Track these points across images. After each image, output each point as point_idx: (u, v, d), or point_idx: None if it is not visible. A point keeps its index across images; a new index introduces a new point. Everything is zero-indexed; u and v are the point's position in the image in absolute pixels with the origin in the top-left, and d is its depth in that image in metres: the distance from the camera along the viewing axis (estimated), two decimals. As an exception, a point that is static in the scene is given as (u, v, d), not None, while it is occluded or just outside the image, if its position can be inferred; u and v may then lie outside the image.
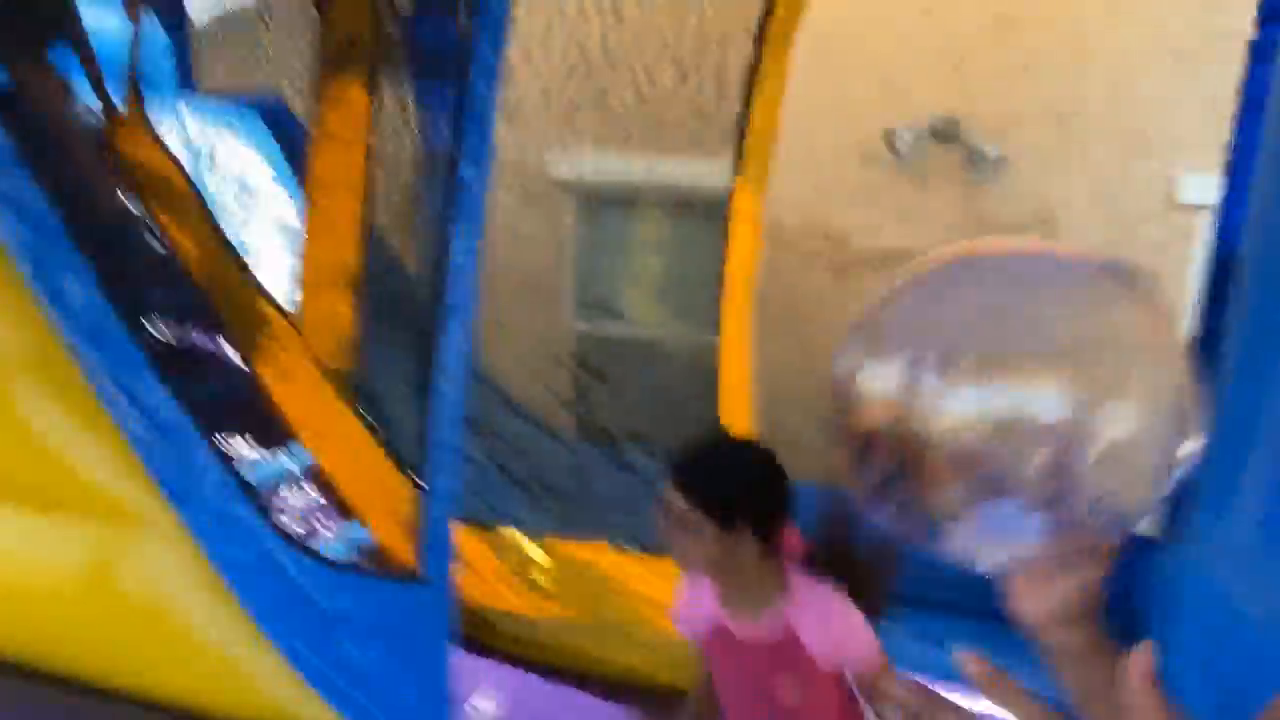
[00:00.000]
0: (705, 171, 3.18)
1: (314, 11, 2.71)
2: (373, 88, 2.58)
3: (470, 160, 2.13)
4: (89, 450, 2.33)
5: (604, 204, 4.47)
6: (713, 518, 1.40)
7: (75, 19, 2.71)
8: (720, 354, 2.29)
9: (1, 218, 2.26)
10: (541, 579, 2.64)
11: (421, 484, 2.46)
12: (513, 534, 2.79)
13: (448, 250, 2.12)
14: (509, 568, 2.69)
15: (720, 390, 2.26)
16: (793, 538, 1.55)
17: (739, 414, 2.91)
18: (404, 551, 2.40)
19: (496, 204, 2.45)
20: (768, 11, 3.35)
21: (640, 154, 3.76)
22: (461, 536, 2.41)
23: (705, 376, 2.58)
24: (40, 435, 2.38)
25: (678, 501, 1.43)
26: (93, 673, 2.48)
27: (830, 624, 1.44)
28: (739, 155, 2.51)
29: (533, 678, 2.58)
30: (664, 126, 3.44)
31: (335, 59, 2.55)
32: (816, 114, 4.27)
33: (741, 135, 3.29)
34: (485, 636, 2.68)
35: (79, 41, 2.73)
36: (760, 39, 3.39)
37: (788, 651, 1.44)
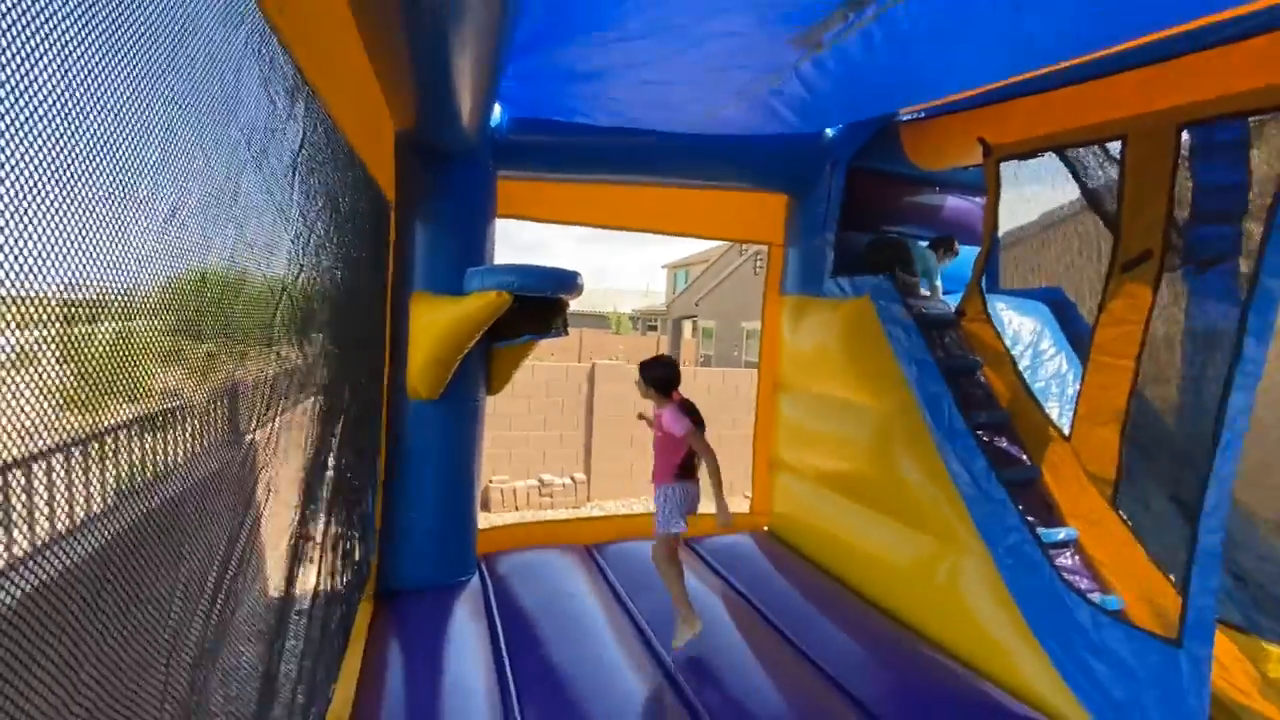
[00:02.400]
0: None
1: (1109, 231, 2.86)
2: (1155, 284, 2.58)
3: (1255, 338, 1.99)
4: (938, 497, 2.91)
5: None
6: (642, 380, 2.74)
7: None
8: None
9: (908, 366, 3.08)
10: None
11: (1171, 577, 2.30)
12: (1260, 643, 2.28)
13: (1225, 405, 2.01)
14: (1257, 671, 2.20)
15: None
16: (678, 395, 2.75)
17: None
18: (1153, 624, 2.25)
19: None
20: None
21: None
22: (1217, 638, 2.12)
23: None
24: (912, 484, 3.06)
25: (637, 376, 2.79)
26: (915, 622, 3.01)
27: (674, 418, 2.65)
28: None
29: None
30: None
31: (1129, 264, 2.65)
32: None
33: None
34: (1232, 725, 2.24)
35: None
36: None
37: (661, 424, 2.71)
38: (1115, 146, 2.88)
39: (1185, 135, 2.71)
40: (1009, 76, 2.90)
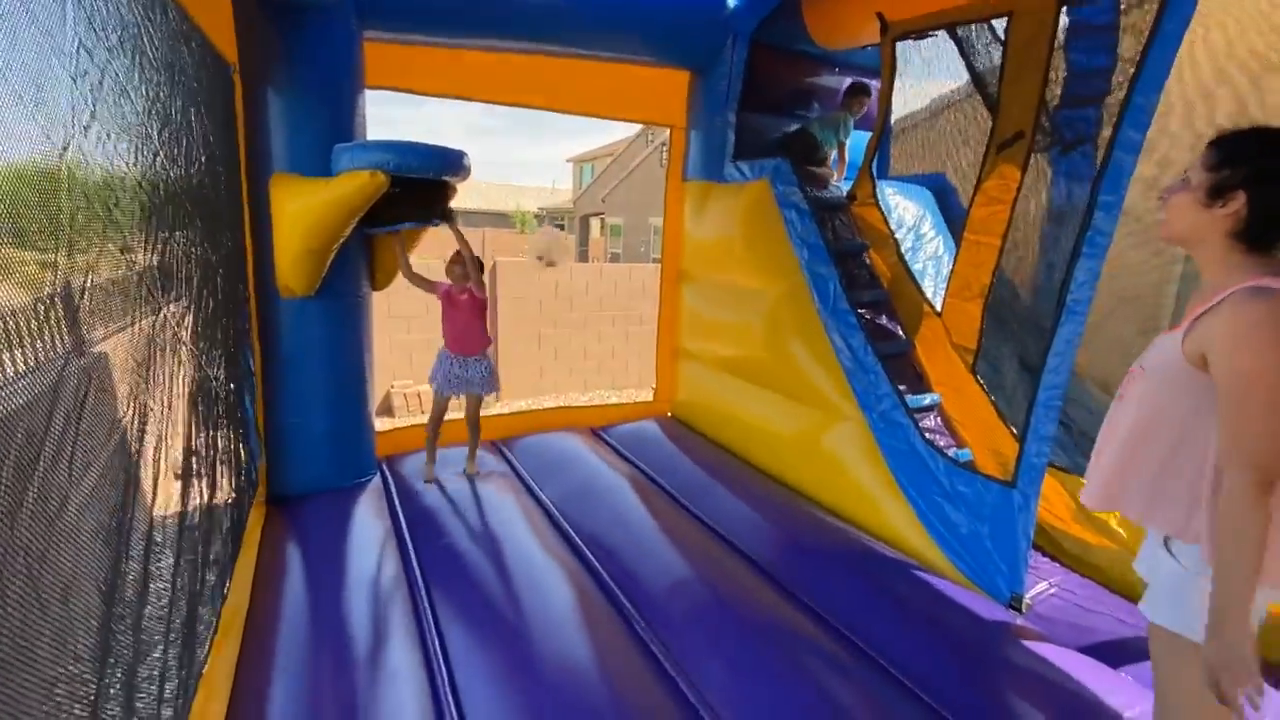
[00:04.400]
0: None
1: (987, 114, 2.95)
2: (1024, 165, 2.72)
3: (1105, 211, 2.14)
4: (820, 373, 3.10)
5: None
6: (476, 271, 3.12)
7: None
8: None
9: (800, 249, 3.15)
10: (1102, 516, 2.50)
11: (1014, 429, 2.59)
12: (1080, 480, 2.69)
13: (1072, 274, 2.18)
14: (1074, 503, 2.62)
15: None
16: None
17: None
18: (994, 470, 2.57)
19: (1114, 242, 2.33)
20: None
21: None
22: (1046, 478, 2.45)
23: None
24: (800, 364, 3.23)
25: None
26: (802, 486, 3.28)
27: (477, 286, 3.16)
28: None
29: (1075, 576, 2.50)
30: None
31: (1003, 145, 2.77)
32: None
33: None
34: (1053, 549, 2.67)
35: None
36: None
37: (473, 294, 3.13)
38: (1001, 25, 2.91)
39: (1065, 15, 2.78)
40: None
